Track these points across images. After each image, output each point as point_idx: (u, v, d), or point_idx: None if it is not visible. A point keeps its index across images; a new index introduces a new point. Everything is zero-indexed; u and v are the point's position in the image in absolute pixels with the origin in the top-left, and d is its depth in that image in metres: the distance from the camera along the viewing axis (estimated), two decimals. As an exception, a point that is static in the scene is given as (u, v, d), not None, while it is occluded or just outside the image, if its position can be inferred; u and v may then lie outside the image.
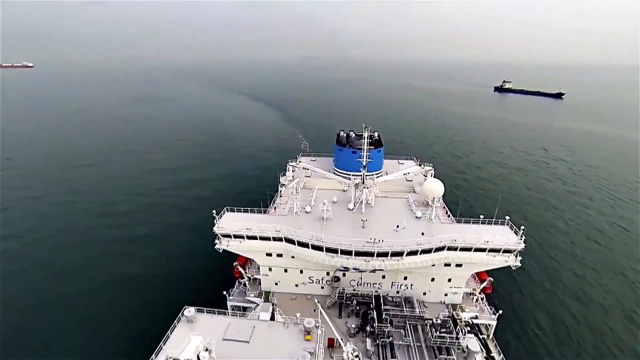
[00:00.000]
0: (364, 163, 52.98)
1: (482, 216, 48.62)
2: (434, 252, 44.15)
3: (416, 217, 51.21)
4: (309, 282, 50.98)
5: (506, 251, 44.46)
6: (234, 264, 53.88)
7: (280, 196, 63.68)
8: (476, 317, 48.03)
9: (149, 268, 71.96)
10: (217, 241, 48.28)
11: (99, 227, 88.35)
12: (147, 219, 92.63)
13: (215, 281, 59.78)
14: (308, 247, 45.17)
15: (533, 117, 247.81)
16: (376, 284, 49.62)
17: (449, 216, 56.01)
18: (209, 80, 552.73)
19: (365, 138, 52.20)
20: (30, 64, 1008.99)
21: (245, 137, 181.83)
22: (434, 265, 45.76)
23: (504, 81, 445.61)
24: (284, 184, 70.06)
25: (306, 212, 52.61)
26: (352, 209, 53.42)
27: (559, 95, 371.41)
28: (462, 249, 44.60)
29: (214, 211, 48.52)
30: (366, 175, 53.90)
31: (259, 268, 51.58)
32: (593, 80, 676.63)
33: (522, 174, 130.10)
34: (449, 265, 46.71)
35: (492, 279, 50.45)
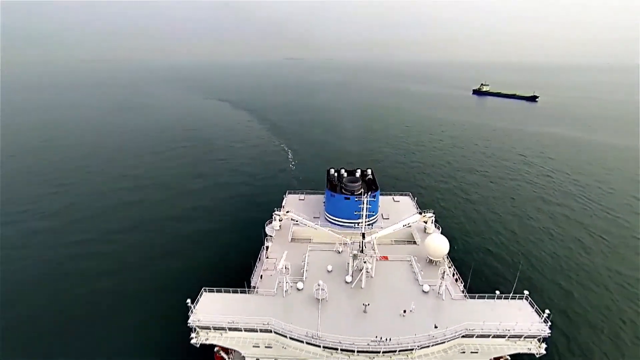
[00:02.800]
0: (363, 230, 46.60)
1: (497, 291, 43.44)
2: (448, 341, 38.69)
3: (423, 291, 45.47)
4: None
5: (529, 336, 39.49)
6: (215, 349, 46.19)
7: (267, 257, 56.11)
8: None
9: (113, 336, 57.04)
10: (193, 334, 40.76)
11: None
12: (109, 270, 74.39)
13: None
14: (303, 342, 38.57)
15: (513, 122, 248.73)
16: None
17: (456, 280, 50.41)
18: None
19: (364, 211, 45.75)
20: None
21: (226, 146, 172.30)
22: (446, 351, 40.15)
23: (482, 84, 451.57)
24: (270, 236, 63.04)
25: (298, 289, 45.72)
26: (350, 283, 46.97)
27: (533, 99, 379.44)
28: (480, 336, 39.37)
29: (189, 300, 40.99)
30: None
31: (244, 358, 44.20)
32: (567, 81, 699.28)
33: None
34: (463, 352, 41.07)
35: (509, 358, 45.14)
